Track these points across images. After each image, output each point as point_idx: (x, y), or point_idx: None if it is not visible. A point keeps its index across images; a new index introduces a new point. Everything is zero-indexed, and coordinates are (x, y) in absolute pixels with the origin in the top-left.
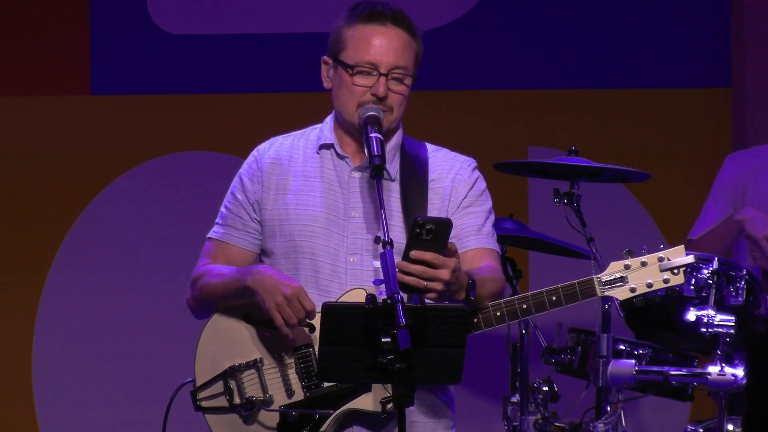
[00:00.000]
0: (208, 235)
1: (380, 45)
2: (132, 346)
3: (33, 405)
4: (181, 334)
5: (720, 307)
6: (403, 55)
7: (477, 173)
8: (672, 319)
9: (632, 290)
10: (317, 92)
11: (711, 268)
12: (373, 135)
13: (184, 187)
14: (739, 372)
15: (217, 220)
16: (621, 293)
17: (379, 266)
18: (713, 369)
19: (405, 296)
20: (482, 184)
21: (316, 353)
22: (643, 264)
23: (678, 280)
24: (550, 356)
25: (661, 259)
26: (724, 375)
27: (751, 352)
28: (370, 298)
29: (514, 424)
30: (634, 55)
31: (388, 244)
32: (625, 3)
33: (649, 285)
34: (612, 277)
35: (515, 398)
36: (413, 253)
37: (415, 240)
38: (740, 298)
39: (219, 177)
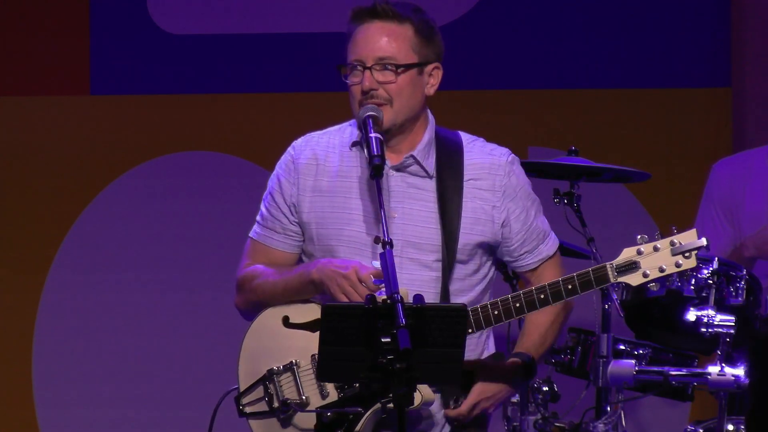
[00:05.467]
0: (249, 234)
1: (364, 40)
2: (132, 346)
3: (33, 405)
4: (181, 333)
5: (720, 307)
6: (389, 45)
7: (514, 171)
8: (672, 319)
9: (645, 275)
10: (317, 92)
11: (711, 268)
12: (372, 135)
13: (184, 187)
14: (740, 372)
15: (257, 218)
16: (634, 279)
17: (379, 266)
18: (713, 369)
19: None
20: (522, 179)
21: None
22: (656, 249)
23: (690, 263)
24: (550, 356)
25: (673, 244)
26: (724, 375)
27: (754, 353)
28: (370, 298)
29: (514, 424)
30: (634, 55)
31: (388, 244)
32: (625, 3)
33: (662, 270)
34: (625, 263)
35: (515, 398)
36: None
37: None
38: (740, 298)
39: (219, 177)
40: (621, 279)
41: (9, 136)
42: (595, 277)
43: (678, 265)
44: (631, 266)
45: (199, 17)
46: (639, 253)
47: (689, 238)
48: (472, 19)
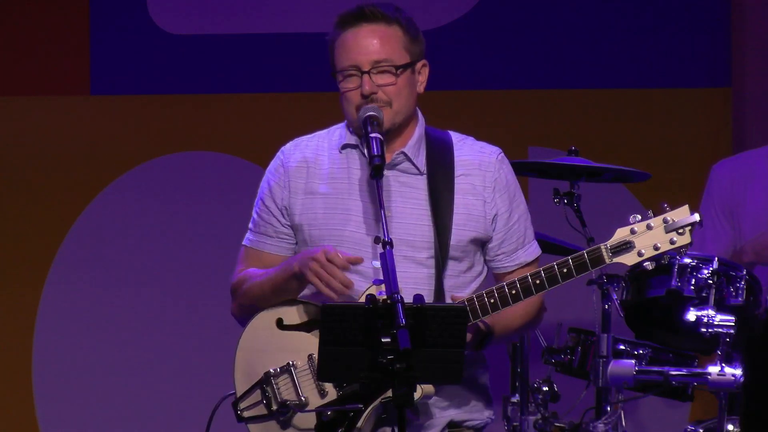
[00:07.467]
0: (243, 242)
1: (356, 45)
2: (132, 347)
3: (33, 405)
4: (181, 334)
5: (720, 307)
6: (383, 48)
7: (504, 169)
8: (672, 319)
9: (640, 254)
10: (317, 92)
11: (711, 268)
12: (372, 135)
13: (184, 187)
14: (739, 372)
15: (249, 225)
16: (629, 258)
17: (379, 266)
18: (713, 369)
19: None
20: (511, 179)
21: None
22: (649, 227)
23: (684, 240)
24: (550, 356)
25: (666, 221)
26: (724, 375)
27: (749, 353)
28: (370, 298)
29: (514, 424)
30: (634, 55)
31: (388, 244)
32: (625, 3)
33: (656, 248)
34: (619, 243)
35: (515, 398)
36: None
37: None
38: (740, 298)
39: (219, 177)
40: (617, 259)
41: (9, 136)
42: (590, 259)
43: (672, 242)
44: (626, 246)
45: (199, 17)
46: (632, 232)
47: (682, 214)
48: (472, 19)
